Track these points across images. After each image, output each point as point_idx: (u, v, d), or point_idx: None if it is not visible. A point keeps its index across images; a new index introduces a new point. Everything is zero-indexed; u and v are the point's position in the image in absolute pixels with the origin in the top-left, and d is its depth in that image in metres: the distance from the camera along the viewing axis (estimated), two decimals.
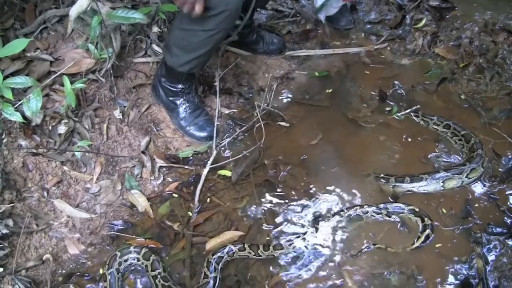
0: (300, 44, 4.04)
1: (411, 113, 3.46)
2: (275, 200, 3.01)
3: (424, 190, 3.02)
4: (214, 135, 3.24)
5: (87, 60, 3.15)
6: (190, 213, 2.96)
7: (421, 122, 3.42)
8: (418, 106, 3.48)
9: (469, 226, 2.82)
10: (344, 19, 4.19)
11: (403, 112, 3.47)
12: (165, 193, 3.08)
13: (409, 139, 3.33)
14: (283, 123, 3.45)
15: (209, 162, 3.15)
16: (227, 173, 3.12)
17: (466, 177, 3.02)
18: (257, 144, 3.24)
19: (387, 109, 3.54)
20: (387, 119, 3.46)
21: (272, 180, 3.12)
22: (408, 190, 3.03)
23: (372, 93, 3.67)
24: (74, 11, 2.95)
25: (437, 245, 2.77)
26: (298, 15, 4.20)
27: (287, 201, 3.03)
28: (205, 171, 3.12)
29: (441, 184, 3.02)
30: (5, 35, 3.15)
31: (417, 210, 2.88)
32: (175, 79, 3.21)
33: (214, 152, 3.20)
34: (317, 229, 2.86)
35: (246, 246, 2.76)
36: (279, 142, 3.34)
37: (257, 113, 3.36)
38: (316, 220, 2.91)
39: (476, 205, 2.94)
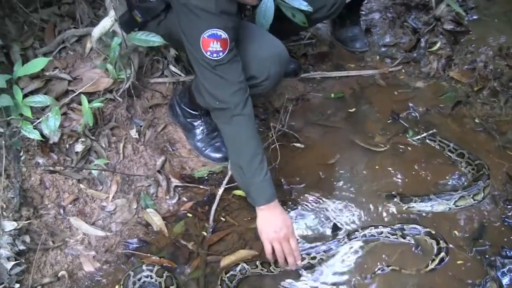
0: (315, 67, 4.05)
1: (427, 137, 3.46)
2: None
3: (435, 210, 3.03)
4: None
5: (105, 80, 3.18)
6: (204, 233, 2.97)
7: (437, 147, 3.42)
8: (434, 130, 3.49)
9: (483, 249, 2.81)
10: (359, 41, 4.20)
11: (419, 136, 3.47)
12: (180, 212, 3.11)
13: (423, 163, 3.33)
14: (298, 144, 3.47)
15: (224, 182, 3.18)
16: (242, 193, 3.12)
17: (454, 204, 3.04)
18: (272, 164, 3.25)
19: (402, 131, 3.54)
20: (402, 142, 3.47)
21: (287, 199, 3.12)
22: (420, 210, 3.03)
23: (387, 115, 3.67)
24: (96, 32, 2.99)
25: (451, 268, 2.74)
26: (313, 37, 4.22)
27: (301, 220, 3.04)
28: (220, 191, 3.14)
29: (452, 204, 3.03)
30: (24, 54, 3.20)
31: (433, 232, 2.87)
32: (197, 106, 3.23)
33: (229, 173, 3.21)
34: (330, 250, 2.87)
35: (258, 263, 2.78)
36: (294, 162, 3.36)
37: (272, 134, 3.38)
38: (332, 238, 2.92)
39: (490, 228, 2.93)
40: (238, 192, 3.16)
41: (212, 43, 2.46)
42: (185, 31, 2.58)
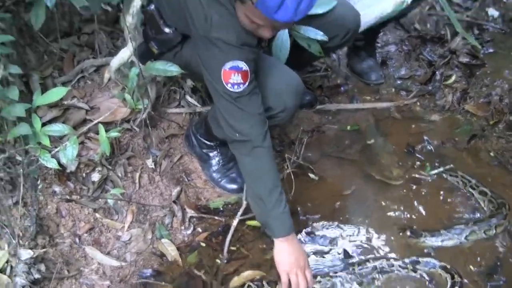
0: (331, 98, 4.06)
1: (448, 173, 3.45)
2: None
3: (446, 245, 3.01)
4: (245, 187, 3.27)
5: (123, 110, 3.21)
6: (218, 262, 2.97)
7: (457, 183, 3.40)
8: (452, 165, 3.47)
9: (497, 284, 2.79)
10: (375, 74, 4.21)
11: (437, 171, 3.46)
12: (195, 243, 3.10)
13: (438, 197, 3.33)
14: (312, 176, 3.47)
15: (239, 213, 3.17)
16: (256, 223, 3.12)
17: (465, 238, 3.03)
18: (288, 195, 3.26)
19: (417, 165, 3.53)
20: (417, 175, 3.46)
21: (302, 229, 3.13)
22: (431, 245, 3.02)
23: (402, 148, 3.67)
24: (115, 63, 3.02)
25: None
26: (329, 69, 4.24)
27: (315, 250, 3.04)
28: (235, 222, 3.13)
29: (463, 239, 3.02)
30: (43, 83, 3.23)
31: (447, 266, 2.85)
32: (213, 137, 3.25)
33: (244, 203, 3.21)
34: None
35: (264, 283, 2.81)
36: (309, 193, 3.36)
37: (287, 166, 3.39)
38: (343, 267, 2.92)
39: (506, 263, 2.90)
40: (252, 223, 3.15)
41: (233, 75, 2.48)
42: (205, 63, 2.60)
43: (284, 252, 2.68)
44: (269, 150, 2.68)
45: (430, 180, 3.44)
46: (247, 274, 2.89)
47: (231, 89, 2.51)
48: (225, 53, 2.48)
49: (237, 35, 2.46)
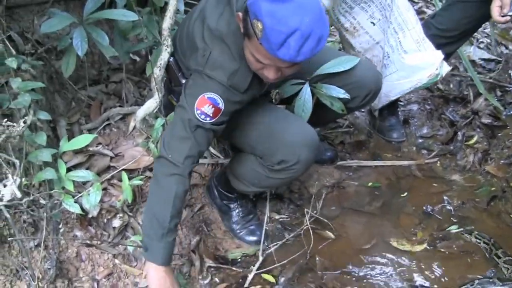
0: (352, 155, 4.07)
1: (476, 236, 3.41)
2: None
3: None
4: (262, 239, 3.31)
5: (146, 158, 3.26)
6: None
7: (480, 245, 3.37)
8: (472, 226, 3.48)
9: None
10: (397, 132, 4.22)
11: (468, 236, 3.44)
12: None
13: (458, 258, 3.31)
14: (331, 231, 3.48)
15: (255, 268, 3.19)
16: (270, 278, 3.15)
17: None
18: (306, 250, 3.27)
19: (437, 225, 3.52)
20: (438, 235, 3.45)
21: (319, 285, 3.13)
22: None
23: (422, 207, 3.66)
24: (141, 112, 3.07)
25: None
26: (351, 126, 4.26)
27: None
28: (250, 277, 3.15)
29: None
30: (70, 129, 3.30)
31: None
32: (233, 190, 3.30)
33: (261, 259, 3.25)
34: None
35: None
36: (328, 249, 3.36)
37: (306, 220, 3.40)
38: None
39: None
40: (267, 277, 3.17)
41: (207, 106, 2.55)
42: (186, 89, 2.67)
43: (162, 279, 2.65)
44: (188, 185, 2.72)
45: (450, 240, 3.41)
46: None
47: (197, 116, 2.56)
48: (210, 85, 2.55)
49: (228, 77, 2.54)
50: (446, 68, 3.60)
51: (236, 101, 2.64)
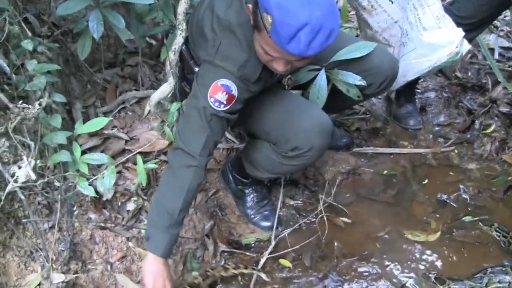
0: (368, 142, 4.05)
1: (496, 228, 3.37)
2: None
3: None
4: (275, 224, 3.33)
5: (161, 141, 3.26)
6: None
7: (498, 237, 3.33)
8: (487, 216, 3.45)
9: None
10: (413, 119, 4.19)
11: (488, 226, 3.40)
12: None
13: (473, 246, 3.29)
14: (344, 219, 3.46)
15: (267, 252, 3.20)
16: (287, 263, 3.15)
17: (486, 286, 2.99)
18: (320, 236, 3.27)
19: (452, 213, 3.50)
20: (453, 224, 3.43)
21: (333, 271, 3.13)
22: None
23: (437, 196, 3.64)
24: (155, 96, 3.07)
25: None
26: (368, 112, 4.24)
27: None
28: (262, 261, 3.16)
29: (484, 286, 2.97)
30: (85, 112, 3.31)
31: None
32: (248, 175, 3.30)
33: (273, 243, 3.26)
34: None
35: None
36: (342, 235, 3.36)
37: (320, 206, 3.39)
38: None
39: None
40: (283, 262, 3.18)
41: (221, 93, 2.52)
42: (199, 79, 2.64)
43: (159, 271, 2.61)
44: (202, 178, 2.68)
45: (466, 230, 3.39)
46: None
47: (211, 104, 2.53)
48: (222, 73, 2.52)
49: (238, 68, 2.51)
50: (466, 46, 3.50)
51: (248, 90, 2.61)
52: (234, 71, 2.52)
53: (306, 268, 3.17)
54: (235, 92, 2.54)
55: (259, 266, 3.12)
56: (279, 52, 2.28)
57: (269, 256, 3.18)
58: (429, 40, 3.51)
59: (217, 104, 2.53)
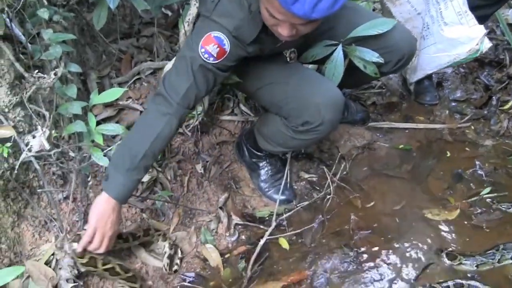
0: (384, 116, 4.03)
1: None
2: (346, 265, 3.02)
3: (481, 269, 2.96)
4: (277, 203, 3.32)
5: None
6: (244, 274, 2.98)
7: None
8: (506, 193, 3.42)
9: None
10: (430, 94, 4.17)
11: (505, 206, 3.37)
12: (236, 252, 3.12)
13: (487, 223, 3.26)
14: (360, 192, 3.46)
15: (273, 225, 3.19)
16: (284, 243, 3.15)
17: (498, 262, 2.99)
18: (334, 209, 3.27)
19: (468, 189, 3.47)
20: (468, 200, 3.40)
21: (347, 244, 3.13)
22: (469, 269, 2.96)
23: (453, 172, 3.61)
24: (169, 67, 3.05)
25: None
26: (384, 87, 4.21)
27: (359, 266, 3.03)
28: (269, 230, 3.15)
29: (496, 262, 2.98)
30: (100, 83, 3.30)
31: None
32: (261, 149, 3.29)
33: (287, 214, 3.26)
34: None
35: None
36: (357, 209, 3.35)
37: (335, 180, 3.38)
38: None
39: None
40: (282, 242, 3.16)
41: (213, 45, 2.48)
42: (193, 30, 2.64)
43: (105, 212, 2.57)
44: (174, 130, 2.63)
45: (480, 205, 3.36)
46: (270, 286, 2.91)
47: (201, 55, 2.49)
48: (218, 27, 2.49)
49: (235, 26, 2.47)
50: (487, 44, 3.48)
51: (242, 49, 2.57)
52: (230, 29, 2.47)
53: (321, 243, 3.16)
54: (227, 47, 2.50)
55: (266, 236, 3.10)
56: (284, 14, 2.21)
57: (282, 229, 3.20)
58: (450, 36, 3.50)
59: (206, 55, 2.49)
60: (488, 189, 3.42)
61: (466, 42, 3.46)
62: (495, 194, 3.40)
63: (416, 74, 3.86)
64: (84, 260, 2.63)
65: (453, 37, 3.48)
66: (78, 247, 2.60)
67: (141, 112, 3.27)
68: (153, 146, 2.56)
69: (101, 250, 2.61)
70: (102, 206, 2.57)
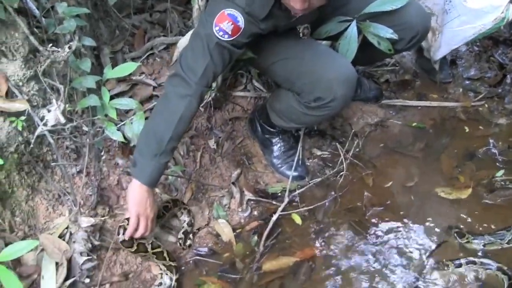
0: (397, 94, 4.01)
1: None
2: (358, 241, 3.04)
3: (488, 248, 2.96)
4: (290, 179, 3.32)
5: None
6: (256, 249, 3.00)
7: None
8: None
9: None
10: (444, 72, 4.13)
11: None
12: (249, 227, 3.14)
13: (500, 201, 3.24)
14: (373, 169, 3.45)
15: (285, 201, 3.19)
16: (297, 218, 3.15)
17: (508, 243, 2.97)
18: (347, 186, 3.28)
19: (480, 167, 3.45)
20: (481, 178, 3.37)
21: (359, 221, 3.14)
22: (477, 248, 2.96)
23: (466, 150, 3.60)
24: (183, 43, 3.05)
25: None
26: (397, 64, 4.19)
27: (371, 242, 3.04)
28: (282, 206, 3.15)
29: (505, 243, 2.96)
30: (114, 57, 3.30)
31: (505, 268, 2.79)
32: (274, 125, 3.28)
33: (299, 190, 3.27)
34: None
35: None
36: (369, 186, 3.35)
37: (348, 157, 3.38)
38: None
39: None
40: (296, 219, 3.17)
41: (227, 22, 2.48)
42: (206, 8, 2.63)
43: (142, 198, 2.62)
44: (195, 108, 2.65)
45: (494, 184, 3.34)
46: (282, 260, 2.92)
47: (215, 33, 2.50)
48: (232, 5, 2.49)
49: (247, 3, 2.48)
50: None
51: (256, 26, 2.57)
52: (243, 5, 2.48)
53: (333, 218, 3.18)
54: (241, 23, 2.50)
55: (278, 211, 3.10)
56: None
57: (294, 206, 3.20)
58: (473, 6, 3.44)
59: (221, 33, 2.49)
60: (501, 172, 3.38)
61: (491, 11, 3.41)
62: (510, 177, 3.37)
63: (440, 51, 3.81)
64: (133, 249, 2.71)
65: (476, 7, 3.43)
66: (125, 236, 2.67)
67: (154, 87, 3.28)
68: (177, 129, 2.59)
69: (148, 233, 2.70)
70: (138, 193, 2.63)
